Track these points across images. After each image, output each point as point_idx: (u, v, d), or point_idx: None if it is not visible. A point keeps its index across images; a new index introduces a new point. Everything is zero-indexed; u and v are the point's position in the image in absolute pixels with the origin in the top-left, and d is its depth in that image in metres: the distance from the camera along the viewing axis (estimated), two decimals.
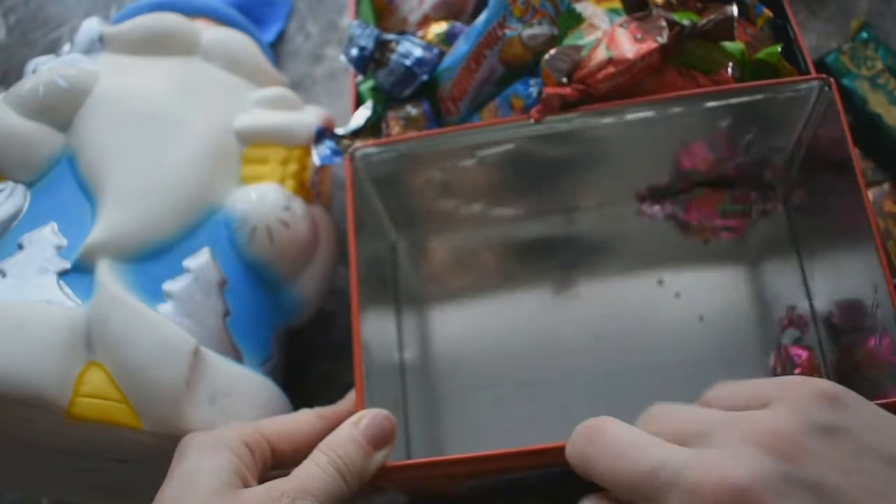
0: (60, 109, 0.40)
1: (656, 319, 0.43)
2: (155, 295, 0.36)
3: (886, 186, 0.44)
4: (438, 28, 0.44)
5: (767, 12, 0.41)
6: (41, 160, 0.39)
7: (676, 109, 0.37)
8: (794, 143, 0.40)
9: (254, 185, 0.41)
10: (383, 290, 0.44)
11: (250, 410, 0.36)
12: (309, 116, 0.45)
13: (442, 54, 0.42)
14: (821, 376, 0.39)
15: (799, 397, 0.24)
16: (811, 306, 0.40)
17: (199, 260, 0.38)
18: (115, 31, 0.44)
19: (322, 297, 0.45)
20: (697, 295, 0.43)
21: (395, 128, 0.41)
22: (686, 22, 0.36)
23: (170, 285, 0.37)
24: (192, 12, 0.48)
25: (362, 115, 0.42)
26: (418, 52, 0.42)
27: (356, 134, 0.42)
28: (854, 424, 0.23)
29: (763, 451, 0.22)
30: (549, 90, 0.37)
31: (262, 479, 0.31)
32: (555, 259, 0.45)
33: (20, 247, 0.36)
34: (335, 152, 0.41)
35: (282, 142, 0.43)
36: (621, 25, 0.37)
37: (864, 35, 0.47)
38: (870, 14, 0.52)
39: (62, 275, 0.35)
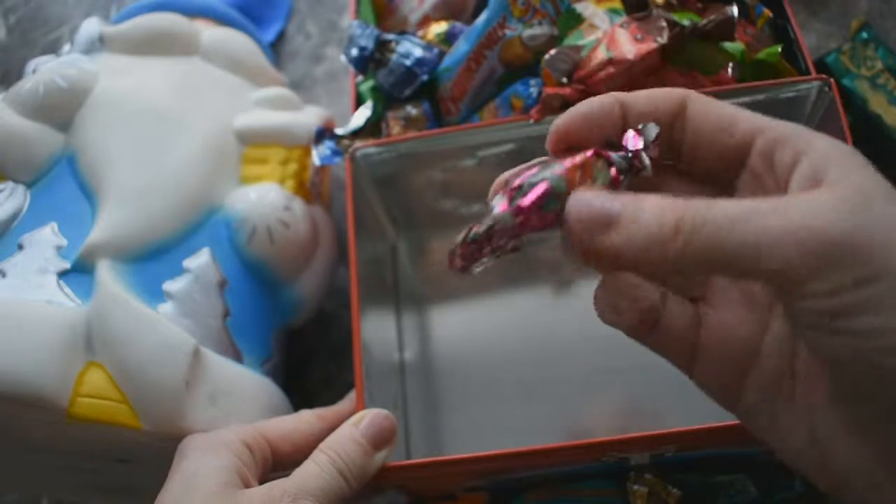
0: (60, 109, 0.40)
1: None
2: (155, 295, 0.36)
3: None
4: (438, 28, 0.44)
5: (767, 12, 0.41)
6: (41, 160, 0.39)
7: None
8: None
9: (254, 185, 0.41)
10: (383, 290, 0.44)
11: (250, 410, 0.36)
12: (309, 116, 0.45)
13: (442, 54, 0.42)
14: None
15: None
16: None
17: (199, 260, 0.38)
18: (115, 31, 0.44)
19: (322, 297, 0.45)
20: None
21: (395, 128, 0.41)
22: (686, 22, 0.36)
23: (170, 285, 0.37)
24: (192, 12, 0.48)
25: (362, 115, 0.42)
26: (418, 52, 0.42)
27: (356, 134, 0.42)
28: None
29: None
30: (549, 90, 0.37)
31: (263, 480, 0.31)
32: (554, 259, 0.45)
33: (20, 247, 0.36)
34: (335, 152, 0.41)
35: (282, 142, 0.43)
36: (621, 26, 0.37)
37: (864, 35, 0.47)
38: (870, 14, 0.52)
39: (62, 275, 0.35)
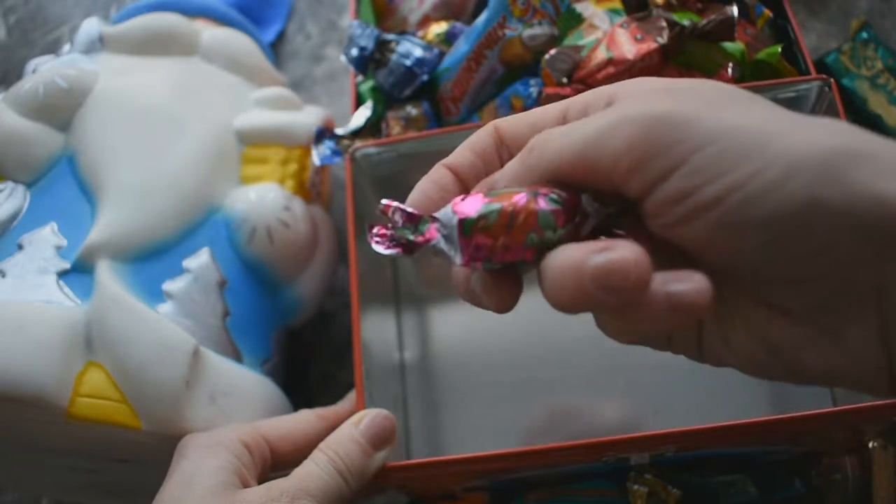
0: (60, 109, 0.40)
1: None
2: (155, 295, 0.36)
3: None
4: (438, 28, 0.44)
5: (767, 13, 0.41)
6: (41, 160, 0.39)
7: None
8: None
9: (253, 185, 0.41)
10: (383, 290, 0.44)
11: (250, 410, 0.36)
12: (309, 116, 0.45)
13: (442, 54, 0.42)
14: None
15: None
16: None
17: (199, 260, 0.38)
18: (115, 31, 0.44)
19: (322, 297, 0.45)
20: None
21: (395, 128, 0.41)
22: (686, 22, 0.36)
23: (170, 285, 0.37)
24: (192, 12, 0.48)
25: (362, 115, 0.42)
26: (418, 52, 0.42)
27: (356, 134, 0.42)
28: None
29: None
30: (549, 90, 0.37)
31: (262, 480, 0.31)
32: None
33: (20, 247, 0.36)
34: (335, 152, 0.41)
35: (282, 142, 0.43)
36: (621, 26, 0.37)
37: (864, 35, 0.47)
38: (870, 14, 0.52)
39: (62, 275, 0.35)
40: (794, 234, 0.19)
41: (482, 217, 0.21)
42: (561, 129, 0.23)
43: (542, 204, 0.21)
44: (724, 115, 0.20)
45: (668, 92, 0.22)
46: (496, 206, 0.21)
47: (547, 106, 0.25)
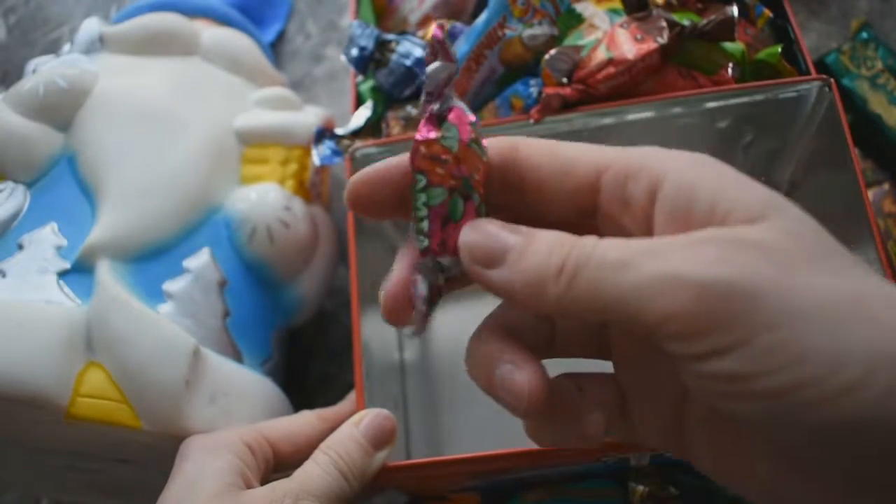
0: (60, 109, 0.40)
1: None
2: (155, 295, 0.36)
3: (886, 186, 0.44)
4: None
5: (768, 13, 0.41)
6: (41, 160, 0.39)
7: (676, 109, 0.37)
8: (794, 143, 0.40)
9: (254, 185, 0.41)
10: None
11: (250, 410, 0.36)
12: (309, 116, 0.45)
13: None
14: None
15: None
16: None
17: (199, 260, 0.38)
18: (115, 31, 0.44)
19: (322, 297, 0.45)
20: None
21: (395, 128, 0.41)
22: (686, 22, 0.36)
23: (170, 285, 0.37)
24: (192, 12, 0.48)
25: (362, 115, 0.42)
26: (418, 52, 0.42)
27: (356, 134, 0.42)
28: None
29: None
30: (549, 90, 0.37)
31: (265, 481, 0.31)
32: None
33: (20, 247, 0.36)
34: (335, 152, 0.41)
35: (282, 142, 0.43)
36: (621, 26, 0.37)
37: (864, 35, 0.47)
38: (870, 14, 0.52)
39: (62, 275, 0.35)
40: (849, 445, 0.17)
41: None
42: (598, 260, 0.18)
43: None
44: (796, 289, 0.17)
45: (727, 242, 0.18)
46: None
47: (581, 146, 0.21)
